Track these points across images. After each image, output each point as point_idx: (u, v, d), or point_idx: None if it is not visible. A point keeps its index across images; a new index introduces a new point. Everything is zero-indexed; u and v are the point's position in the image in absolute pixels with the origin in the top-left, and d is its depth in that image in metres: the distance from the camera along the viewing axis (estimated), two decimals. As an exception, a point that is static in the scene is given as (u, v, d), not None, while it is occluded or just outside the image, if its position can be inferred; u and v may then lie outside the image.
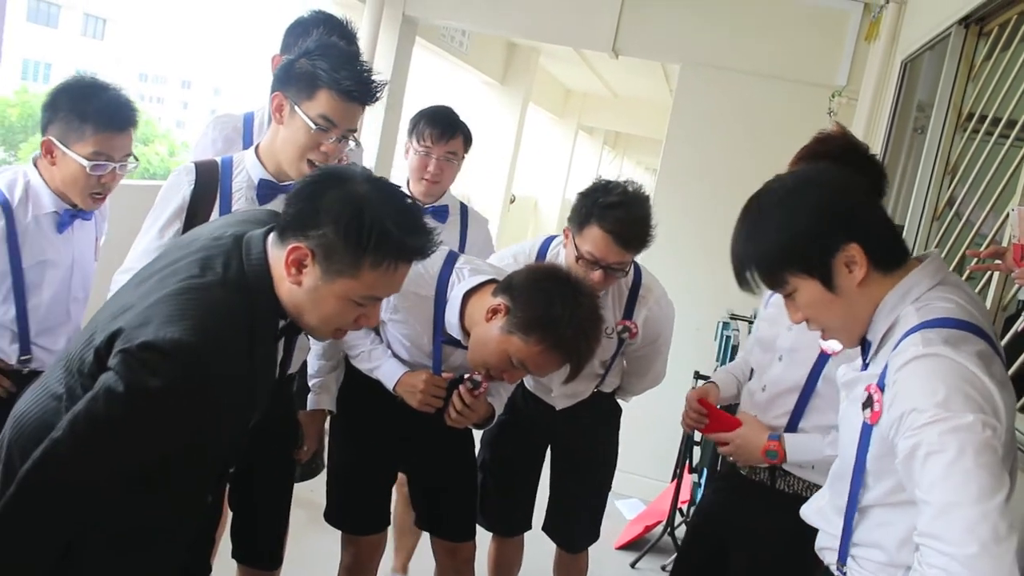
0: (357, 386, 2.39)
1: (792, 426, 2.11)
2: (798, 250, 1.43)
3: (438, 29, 5.50)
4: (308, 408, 2.37)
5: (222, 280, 1.48)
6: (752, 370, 2.30)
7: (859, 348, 1.54)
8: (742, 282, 1.50)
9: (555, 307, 2.00)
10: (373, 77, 1.97)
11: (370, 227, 1.44)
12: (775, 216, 1.45)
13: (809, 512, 1.68)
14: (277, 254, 1.50)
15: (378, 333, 2.34)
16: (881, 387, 1.38)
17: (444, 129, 2.83)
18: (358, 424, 2.42)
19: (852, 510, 1.48)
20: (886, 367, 1.38)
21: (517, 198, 8.44)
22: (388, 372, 2.29)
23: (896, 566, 1.42)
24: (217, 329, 1.41)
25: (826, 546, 1.58)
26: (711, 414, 2.23)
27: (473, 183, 7.33)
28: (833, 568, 1.55)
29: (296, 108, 1.95)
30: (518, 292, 2.05)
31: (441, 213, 2.91)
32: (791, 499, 2.09)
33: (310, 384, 2.39)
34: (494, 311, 2.06)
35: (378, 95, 1.99)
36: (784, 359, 2.14)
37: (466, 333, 2.17)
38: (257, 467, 2.12)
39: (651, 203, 2.37)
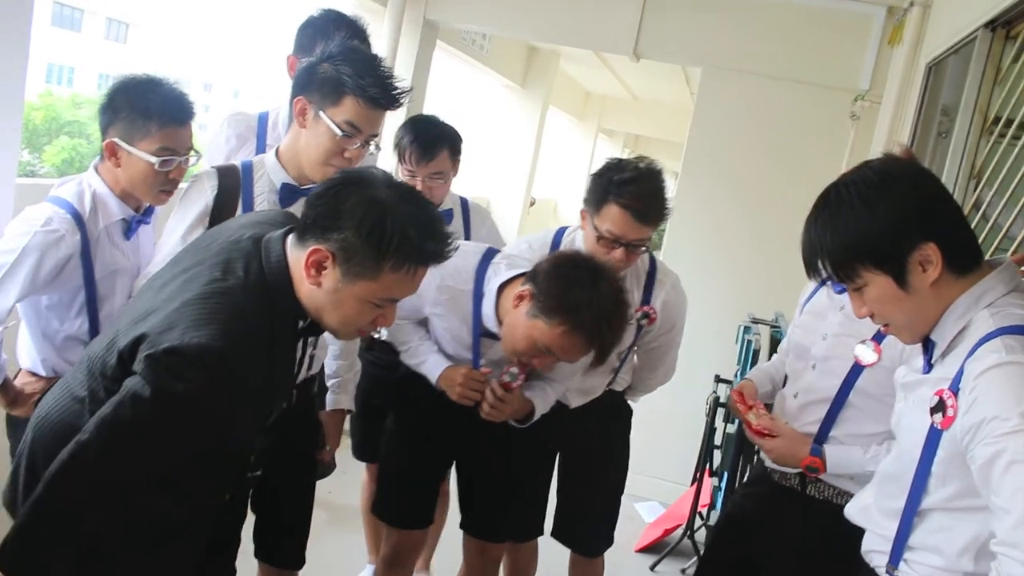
0: (412, 384, 2.42)
1: (823, 435, 2.09)
2: (875, 245, 1.41)
3: (459, 32, 5.51)
4: (328, 408, 2.40)
5: (243, 284, 1.50)
6: (786, 376, 2.29)
7: (903, 350, 1.53)
8: (812, 271, 1.49)
9: (575, 290, 2.04)
10: (397, 83, 1.98)
11: (391, 232, 1.46)
12: (855, 207, 1.43)
13: (853, 511, 1.66)
14: (297, 255, 1.52)
15: (427, 328, 2.38)
16: (955, 391, 1.36)
17: (424, 150, 2.76)
18: (414, 421, 2.47)
19: (911, 513, 1.47)
20: (960, 372, 1.36)
21: (537, 201, 8.44)
22: (432, 366, 2.34)
23: (953, 571, 1.41)
24: (240, 333, 1.44)
25: (875, 548, 1.56)
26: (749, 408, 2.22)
27: (493, 186, 7.34)
28: (881, 571, 1.54)
29: (321, 114, 1.95)
30: (542, 277, 2.10)
31: (446, 216, 2.93)
32: (822, 505, 2.10)
33: (328, 384, 2.41)
34: (520, 297, 2.12)
35: (402, 101, 2.00)
36: (817, 368, 2.13)
37: (501, 324, 2.22)
38: (280, 468, 2.15)
39: (664, 176, 2.37)
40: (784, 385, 2.29)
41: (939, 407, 1.39)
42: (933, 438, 1.41)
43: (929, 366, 1.48)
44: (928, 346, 1.49)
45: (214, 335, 1.39)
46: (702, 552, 3.22)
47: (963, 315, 1.42)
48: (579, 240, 2.52)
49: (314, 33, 2.43)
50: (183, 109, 2.08)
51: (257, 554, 2.30)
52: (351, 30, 2.40)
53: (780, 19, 4.45)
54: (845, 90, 4.35)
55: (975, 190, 2.90)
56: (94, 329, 2.09)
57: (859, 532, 2.13)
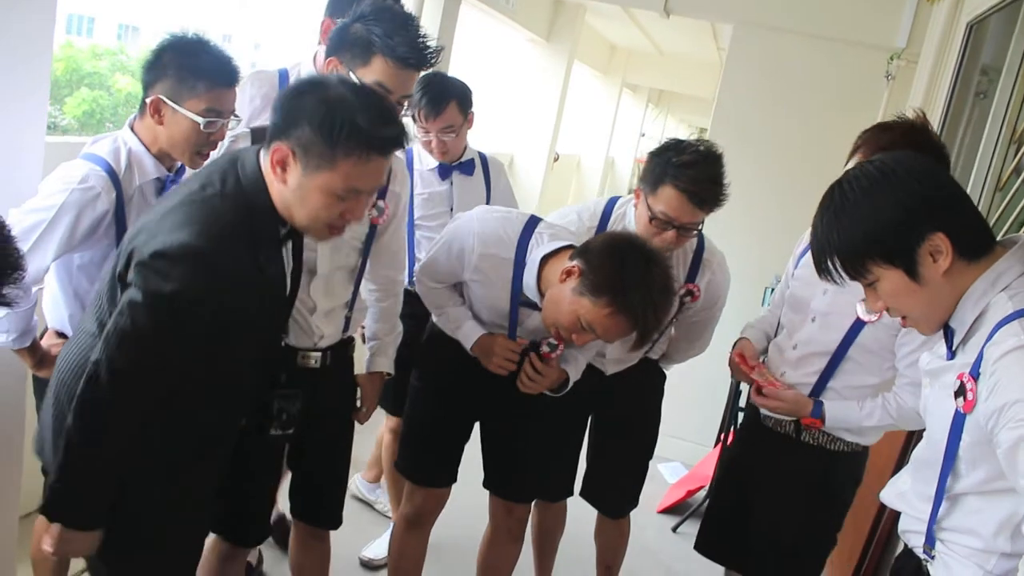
0: (440, 343, 2.43)
1: (821, 386, 2.21)
2: (882, 240, 1.41)
3: (485, -14, 5.42)
4: (366, 371, 2.40)
5: (220, 192, 1.61)
6: (781, 326, 2.37)
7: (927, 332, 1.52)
8: (822, 270, 1.48)
9: (626, 273, 2.02)
10: (428, 42, 1.95)
11: (340, 120, 1.55)
12: (860, 205, 1.42)
13: (890, 496, 1.67)
14: (266, 161, 1.62)
15: (462, 295, 2.38)
16: (975, 376, 1.35)
17: (432, 106, 2.91)
18: (440, 380, 2.48)
19: (940, 496, 1.47)
20: (980, 356, 1.36)
21: (560, 156, 8.36)
22: (467, 333, 2.35)
23: (991, 552, 1.42)
24: (220, 231, 1.55)
25: (911, 529, 1.57)
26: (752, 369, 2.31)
27: (517, 141, 7.27)
28: (919, 551, 1.55)
29: (352, 74, 1.93)
30: (592, 256, 2.08)
31: (468, 167, 3.12)
32: (814, 449, 2.26)
33: (367, 347, 2.42)
34: (568, 272, 2.10)
35: (433, 61, 1.97)
36: (817, 321, 2.22)
37: (542, 296, 2.21)
38: (316, 429, 2.17)
39: (723, 161, 2.33)
40: (777, 335, 2.33)
41: (960, 391, 1.39)
42: (958, 423, 1.41)
43: (952, 353, 1.47)
44: (948, 333, 1.48)
45: (194, 234, 1.52)
46: (707, 499, 3.28)
47: (980, 299, 1.40)
48: (630, 214, 2.49)
49: None
50: (231, 72, 2.06)
51: (293, 511, 2.33)
52: None
53: (815, -26, 4.34)
54: (880, 48, 4.25)
55: (1015, 155, 2.83)
56: None
57: (851, 471, 2.23)
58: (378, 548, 3.26)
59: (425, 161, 3.13)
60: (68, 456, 1.56)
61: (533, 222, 2.30)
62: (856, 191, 1.44)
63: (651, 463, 2.88)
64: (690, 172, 2.26)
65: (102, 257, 2.06)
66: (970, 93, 3.50)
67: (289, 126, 1.58)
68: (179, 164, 2.14)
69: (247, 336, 1.71)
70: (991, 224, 2.84)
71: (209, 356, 1.65)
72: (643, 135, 12.99)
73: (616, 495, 2.85)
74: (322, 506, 2.32)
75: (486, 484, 2.61)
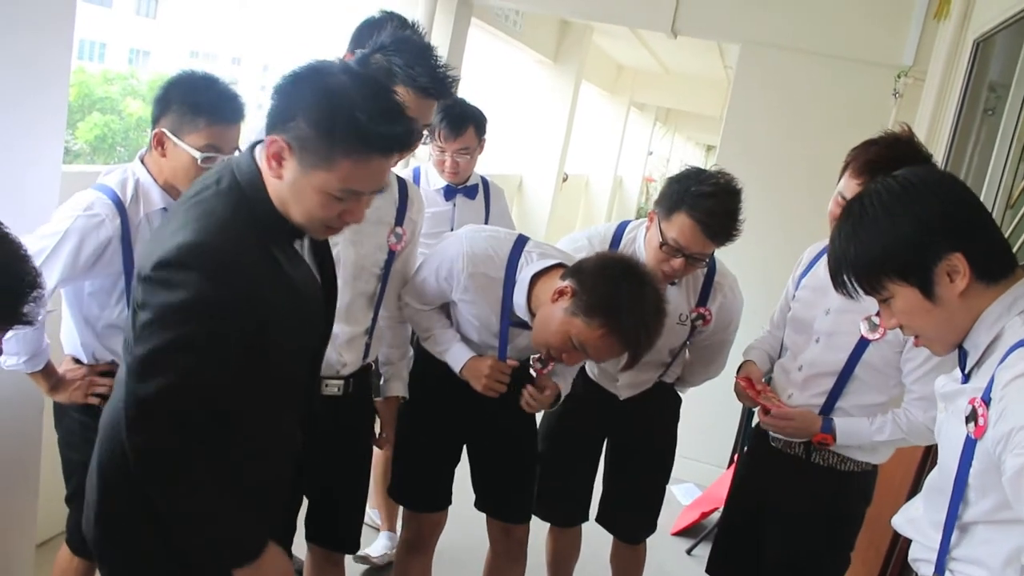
0: (425, 366, 2.43)
1: (829, 406, 2.21)
2: (899, 257, 1.39)
3: (492, 9, 5.46)
4: (382, 396, 2.42)
5: (215, 191, 1.50)
6: (783, 346, 2.38)
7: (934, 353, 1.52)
8: (838, 284, 1.47)
9: (620, 294, 2.02)
10: (448, 72, 1.97)
11: (338, 116, 1.41)
12: (879, 220, 1.41)
13: (901, 523, 1.65)
14: (262, 155, 1.50)
15: (448, 316, 2.37)
16: (986, 401, 1.34)
17: (452, 127, 3.08)
18: (425, 404, 2.46)
19: (951, 525, 1.45)
20: (992, 380, 1.34)
21: (569, 176, 8.39)
22: (455, 355, 2.33)
23: None
24: (221, 224, 1.44)
25: (921, 557, 1.55)
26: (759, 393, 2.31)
27: (526, 162, 7.30)
28: None
29: None
30: (586, 276, 2.08)
31: (472, 191, 3.28)
32: (825, 470, 2.25)
33: (381, 371, 2.43)
34: (561, 292, 2.10)
35: (453, 90, 1.99)
36: (822, 342, 2.22)
37: (532, 315, 2.21)
38: (335, 453, 2.18)
39: (741, 196, 2.34)
40: (780, 355, 2.33)
41: (972, 416, 1.36)
42: (968, 448, 1.38)
43: (966, 377, 1.46)
44: (962, 355, 1.46)
45: (191, 233, 1.41)
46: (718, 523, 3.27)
47: (995, 323, 1.38)
48: (640, 238, 2.50)
49: (371, 30, 2.43)
50: (234, 109, 2.12)
51: (309, 536, 2.33)
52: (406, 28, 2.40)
53: (821, -7, 4.36)
54: (888, 66, 4.26)
55: (1026, 172, 2.83)
56: None
57: (862, 490, 2.22)
58: (375, 547, 3.32)
59: (432, 181, 3.27)
60: (176, 513, 1.46)
61: (522, 241, 2.30)
62: (876, 206, 1.42)
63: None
64: (707, 203, 2.26)
65: (112, 284, 2.11)
66: (978, 110, 3.50)
67: (285, 117, 1.45)
68: None
69: (291, 343, 1.57)
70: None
71: (252, 370, 1.48)
72: (651, 153, 13.03)
73: (632, 520, 2.83)
74: (339, 530, 2.32)
75: (478, 505, 2.59)
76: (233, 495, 1.48)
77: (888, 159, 2.01)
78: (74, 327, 2.18)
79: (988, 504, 1.39)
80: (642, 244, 2.47)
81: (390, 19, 2.46)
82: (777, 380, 2.34)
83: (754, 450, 2.48)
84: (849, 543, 2.32)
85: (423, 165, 3.32)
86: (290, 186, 1.47)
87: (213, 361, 1.42)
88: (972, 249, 1.36)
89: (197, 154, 2.06)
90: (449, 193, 3.26)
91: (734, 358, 2.67)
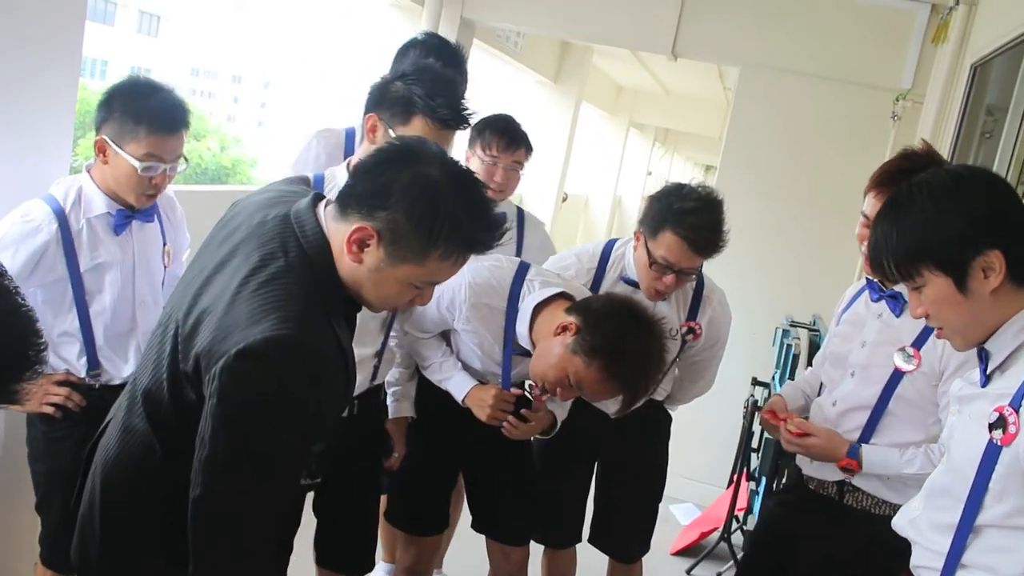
0: (422, 392, 2.42)
1: (863, 442, 2.10)
2: (939, 246, 1.42)
3: (493, 30, 5.50)
4: (391, 416, 2.41)
5: (287, 266, 1.42)
6: (821, 385, 2.29)
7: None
8: (876, 267, 1.50)
9: (624, 340, 2.02)
10: (467, 104, 1.98)
11: (443, 218, 1.38)
12: (925, 209, 1.44)
13: (902, 523, 1.64)
14: (336, 228, 1.44)
15: (449, 344, 2.37)
16: (1016, 407, 1.35)
17: (511, 139, 2.87)
18: (422, 428, 2.46)
19: (966, 529, 1.45)
20: (1022, 387, 1.35)
21: (569, 196, 8.42)
22: (458, 385, 2.32)
23: None
24: (300, 316, 1.36)
25: (924, 564, 1.53)
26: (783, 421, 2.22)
27: (526, 182, 7.31)
28: None
29: (391, 131, 1.96)
30: (592, 316, 2.07)
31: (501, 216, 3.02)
32: (859, 515, 2.12)
33: (389, 392, 2.43)
34: (564, 328, 2.08)
35: (471, 122, 2.01)
36: (856, 375, 2.14)
37: (534, 344, 2.20)
38: (347, 476, 2.18)
39: (724, 208, 2.36)
40: (820, 394, 2.29)
41: (999, 423, 1.37)
42: (991, 454, 1.39)
43: (986, 378, 1.46)
44: (983, 356, 1.47)
45: (276, 325, 1.32)
46: (739, 560, 3.22)
47: (1022, 328, 1.40)
48: (629, 256, 2.51)
49: (408, 52, 2.46)
50: (174, 119, 2.14)
51: (320, 560, 2.32)
52: (442, 54, 2.40)
53: (820, 17, 4.40)
54: (886, 89, 4.29)
55: (1023, 196, 2.85)
56: (84, 324, 2.18)
57: (897, 544, 2.13)
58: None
59: None
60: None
61: (524, 269, 2.30)
62: (924, 195, 1.45)
63: (663, 504, 2.87)
64: (691, 219, 2.28)
65: (61, 292, 2.16)
66: (976, 133, 3.53)
67: (376, 204, 1.38)
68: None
69: (338, 410, 1.60)
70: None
71: (305, 445, 1.45)
72: (650, 174, 13.07)
73: (625, 539, 2.82)
74: (351, 551, 2.31)
75: (475, 527, 2.58)
76: (267, 560, 1.46)
77: (903, 170, 1.98)
78: None
79: (1005, 508, 1.39)
80: (631, 262, 2.49)
81: (425, 45, 2.46)
82: (813, 417, 2.26)
83: (788, 488, 2.42)
84: None
85: None
86: (371, 272, 1.42)
87: (287, 456, 1.40)
88: (1012, 249, 1.39)
89: (137, 164, 2.10)
90: None
91: (731, 378, 2.68)
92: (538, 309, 2.20)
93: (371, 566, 2.35)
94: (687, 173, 19.05)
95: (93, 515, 1.53)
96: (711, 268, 2.63)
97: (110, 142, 2.11)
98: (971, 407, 1.47)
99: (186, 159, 2.23)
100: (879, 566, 2.13)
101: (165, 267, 2.36)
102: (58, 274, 2.13)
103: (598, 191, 10.45)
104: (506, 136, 2.87)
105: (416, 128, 1.94)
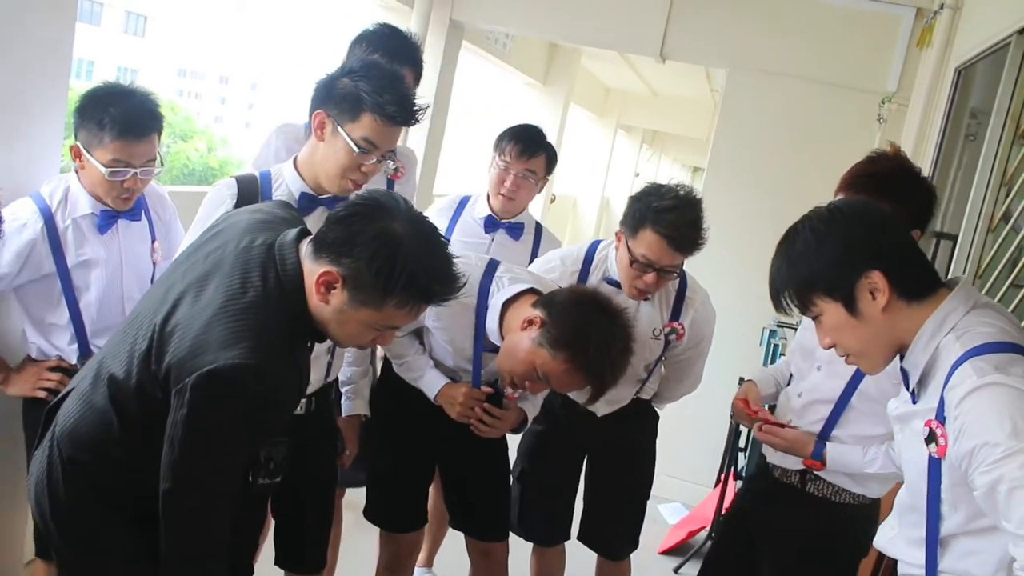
0: (395, 389, 2.43)
1: (825, 434, 2.19)
2: (825, 275, 1.51)
3: (482, 32, 5.52)
4: (344, 415, 2.43)
5: (264, 295, 1.57)
6: (792, 375, 2.35)
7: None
8: (777, 304, 1.58)
9: (589, 331, 2.05)
10: (415, 100, 1.98)
11: (400, 271, 1.51)
12: (807, 241, 1.53)
13: (883, 543, 1.69)
14: (310, 267, 1.58)
15: (422, 341, 2.39)
16: (941, 420, 1.41)
17: (525, 147, 2.91)
18: (397, 425, 2.47)
19: (933, 542, 1.50)
20: (942, 401, 1.40)
21: (557, 198, 8.44)
22: (429, 382, 2.35)
23: None
24: (270, 347, 1.52)
25: (910, 574, 1.59)
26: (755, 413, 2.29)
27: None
28: None
29: (339, 128, 1.95)
30: (556, 308, 2.10)
31: (516, 230, 3.06)
32: (820, 501, 2.21)
33: (343, 391, 2.44)
34: (530, 321, 2.12)
35: (419, 118, 2.00)
36: (823, 369, 2.20)
37: (504, 340, 2.22)
38: (300, 474, 2.16)
39: (703, 206, 2.39)
40: (788, 384, 2.34)
41: (931, 437, 1.44)
42: (934, 467, 1.46)
43: (913, 397, 1.53)
44: (904, 376, 1.54)
45: (246, 353, 1.47)
46: (709, 547, 3.26)
47: (929, 342, 1.47)
48: (611, 257, 2.54)
49: (361, 45, 2.45)
50: (139, 124, 2.17)
51: (279, 562, 2.32)
52: (401, 46, 2.41)
53: (807, 20, 4.43)
54: (872, 92, 4.32)
55: (1006, 198, 2.89)
56: (75, 317, 2.25)
57: (857, 530, 2.20)
58: None
59: (479, 209, 3.09)
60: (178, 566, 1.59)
61: (493, 266, 2.32)
62: (807, 230, 1.55)
63: (651, 504, 2.89)
64: (669, 217, 2.30)
65: (51, 287, 2.23)
66: (960, 136, 3.57)
67: (342, 251, 1.53)
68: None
69: (286, 417, 1.73)
70: (983, 265, 2.89)
71: (256, 447, 1.72)
72: (637, 175, 13.10)
73: (614, 537, 2.84)
74: (309, 552, 2.31)
75: (453, 524, 2.60)
76: (224, 538, 1.63)
77: (868, 174, 2.06)
78: (25, 328, 2.29)
79: (961, 516, 1.45)
80: (613, 262, 2.51)
81: (381, 35, 2.45)
82: (780, 406, 2.33)
83: (753, 477, 2.48)
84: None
85: (475, 194, 3.14)
86: (335, 313, 1.57)
87: (241, 463, 1.63)
88: (892, 268, 1.47)
89: (103, 169, 2.14)
90: (490, 225, 3.05)
91: (717, 377, 2.70)
92: (507, 305, 2.22)
93: (324, 562, 2.34)
94: (675, 175, 19.11)
95: (54, 479, 1.65)
96: (698, 268, 2.66)
97: (82, 148, 2.17)
98: (909, 426, 1.54)
99: (161, 161, 2.26)
100: (839, 552, 2.24)
101: (155, 263, 2.40)
102: (46, 270, 2.20)
103: (586, 192, 10.48)
104: (521, 143, 2.91)
105: (365, 124, 1.93)
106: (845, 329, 1.52)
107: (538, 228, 3.14)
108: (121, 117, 2.13)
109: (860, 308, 1.48)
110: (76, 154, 2.19)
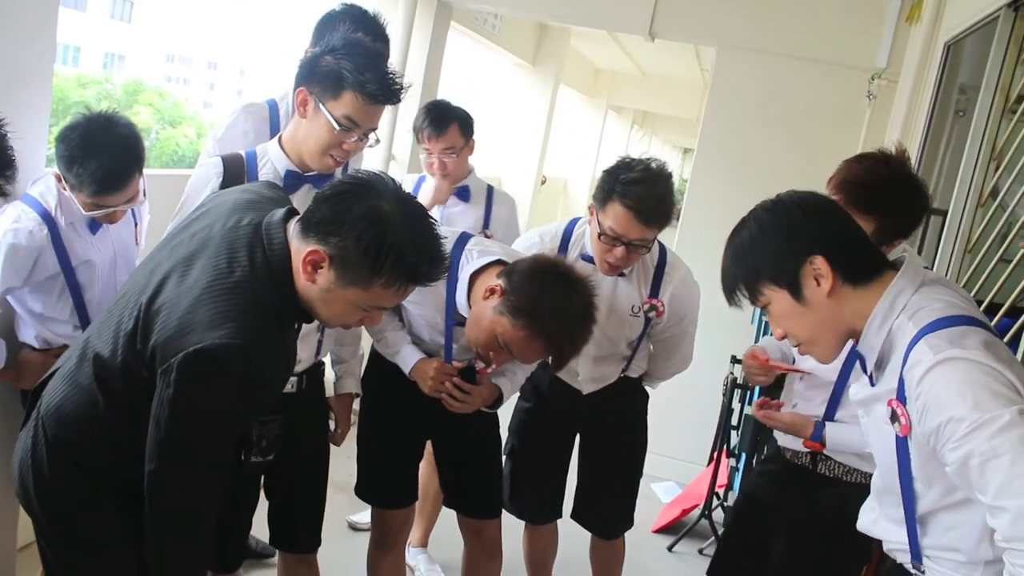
0: (384, 366, 2.44)
1: (830, 415, 2.20)
2: (769, 263, 1.52)
3: (471, 12, 5.49)
4: (336, 393, 2.43)
5: (251, 275, 1.56)
6: (794, 357, 2.34)
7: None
8: (730, 298, 1.59)
9: (546, 298, 2.04)
10: (397, 79, 1.98)
11: (388, 249, 1.51)
12: (752, 232, 1.55)
13: (866, 525, 1.71)
14: (297, 247, 1.57)
15: (400, 318, 2.39)
16: (902, 400, 1.42)
17: (436, 126, 3.00)
18: (385, 402, 2.48)
19: (912, 520, 1.52)
20: (901, 381, 1.41)
21: (547, 179, 8.43)
22: (404, 357, 2.36)
23: (976, 563, 1.45)
24: (257, 327, 1.52)
25: (896, 548, 1.61)
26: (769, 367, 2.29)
27: (505, 165, 7.33)
28: (908, 566, 1.58)
29: (321, 106, 1.96)
30: (516, 277, 2.10)
31: (463, 193, 3.18)
32: (831, 481, 2.23)
33: (334, 370, 2.44)
34: (492, 291, 2.12)
35: (401, 96, 2.00)
36: None
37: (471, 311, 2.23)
38: (292, 453, 2.18)
39: (673, 180, 2.38)
40: (793, 362, 2.35)
41: (894, 417, 1.45)
42: (902, 447, 1.47)
43: (872, 381, 1.54)
44: (861, 360, 1.55)
45: (232, 333, 1.47)
46: (722, 531, 3.26)
47: (882, 324, 1.48)
48: (588, 233, 2.53)
49: (334, 27, 2.43)
50: (117, 180, 2.19)
51: (274, 542, 2.33)
52: (368, 27, 2.40)
53: (796, -3, 4.42)
54: (862, 69, 4.32)
55: (995, 172, 2.89)
56: (80, 308, 2.30)
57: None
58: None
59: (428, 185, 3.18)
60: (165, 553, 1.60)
61: (463, 239, 2.31)
62: (751, 220, 1.57)
63: (644, 482, 2.90)
64: (636, 189, 2.30)
65: (52, 284, 2.26)
66: (949, 111, 3.57)
67: (330, 230, 1.52)
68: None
69: (271, 398, 1.74)
70: (973, 240, 2.90)
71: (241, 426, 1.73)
72: (624, 155, 13.08)
73: (607, 515, 2.85)
74: (303, 532, 2.32)
75: (446, 503, 2.60)
76: (211, 513, 1.64)
77: (863, 183, 2.04)
78: (28, 322, 2.32)
79: (936, 492, 1.47)
80: (588, 239, 2.51)
81: (349, 15, 2.44)
82: (784, 389, 2.36)
83: (768, 459, 2.49)
84: (858, 557, 2.19)
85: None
86: (322, 292, 1.56)
87: (228, 443, 1.63)
88: (834, 253, 1.48)
89: (84, 213, 2.21)
90: None
91: (709, 357, 2.69)
92: (475, 277, 2.22)
93: (318, 542, 2.35)
94: (665, 156, 19.10)
95: (39, 458, 1.65)
96: (688, 246, 2.66)
97: (63, 179, 2.20)
98: (872, 409, 1.55)
99: (144, 194, 2.30)
100: (851, 531, 2.21)
101: (138, 245, 2.46)
102: (51, 271, 2.23)
103: (577, 174, 10.47)
104: (432, 124, 2.98)
105: (346, 103, 1.94)
106: (793, 317, 1.52)
107: (489, 189, 3.26)
108: (99, 174, 2.14)
109: (806, 295, 1.49)
110: (60, 180, 2.22)
